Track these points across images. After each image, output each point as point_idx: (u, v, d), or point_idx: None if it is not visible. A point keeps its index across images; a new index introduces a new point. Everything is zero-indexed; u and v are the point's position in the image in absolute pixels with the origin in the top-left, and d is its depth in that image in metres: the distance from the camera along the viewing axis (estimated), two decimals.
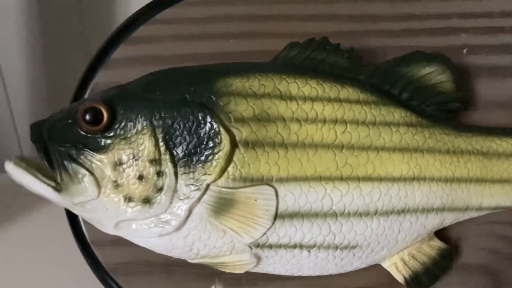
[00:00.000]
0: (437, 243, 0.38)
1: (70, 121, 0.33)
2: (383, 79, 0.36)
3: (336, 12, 0.40)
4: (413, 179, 0.35)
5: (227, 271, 0.36)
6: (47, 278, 0.45)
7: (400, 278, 0.38)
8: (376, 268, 0.38)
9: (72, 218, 0.40)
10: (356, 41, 0.39)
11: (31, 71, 0.65)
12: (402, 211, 0.35)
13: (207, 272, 0.39)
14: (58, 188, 0.33)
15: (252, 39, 0.40)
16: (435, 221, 0.36)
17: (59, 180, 0.33)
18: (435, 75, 0.37)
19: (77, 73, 0.41)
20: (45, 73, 0.65)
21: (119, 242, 0.39)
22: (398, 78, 0.36)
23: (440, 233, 0.39)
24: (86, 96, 0.40)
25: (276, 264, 0.35)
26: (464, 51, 0.40)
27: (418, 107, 0.36)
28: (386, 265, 0.38)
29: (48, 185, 0.33)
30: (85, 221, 0.40)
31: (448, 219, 0.37)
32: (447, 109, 0.37)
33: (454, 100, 0.37)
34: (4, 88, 0.65)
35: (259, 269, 0.36)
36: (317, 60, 0.35)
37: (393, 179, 0.34)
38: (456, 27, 0.40)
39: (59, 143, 0.33)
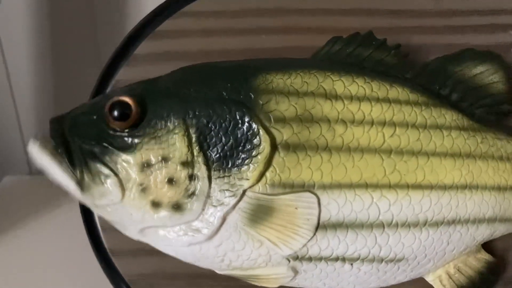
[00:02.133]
0: (484, 256, 0.35)
1: (94, 116, 0.30)
2: (432, 78, 0.34)
3: (377, 7, 0.37)
4: (465, 187, 0.32)
5: (259, 284, 0.33)
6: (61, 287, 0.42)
7: None
8: (418, 281, 0.35)
9: (89, 224, 0.38)
10: (397, 37, 0.36)
11: (38, 69, 0.62)
12: (453, 222, 0.32)
13: (235, 284, 0.36)
14: (81, 185, 0.30)
15: (286, 35, 0.37)
16: (485, 233, 0.34)
17: (80, 179, 0.30)
18: (487, 75, 0.34)
19: (85, 71, 0.39)
20: (52, 72, 0.63)
21: (141, 252, 0.36)
22: (448, 78, 0.34)
23: (486, 245, 0.36)
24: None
25: (314, 278, 0.32)
26: None
27: (468, 109, 0.34)
28: (429, 278, 0.35)
29: (72, 178, 0.30)
30: (103, 228, 0.38)
31: (499, 230, 0.34)
32: (498, 112, 0.35)
33: (507, 102, 0.34)
34: (10, 87, 0.63)
35: (294, 283, 0.33)
36: (362, 56, 0.33)
37: (444, 187, 0.32)
38: (504, 23, 0.37)
39: (82, 140, 0.30)
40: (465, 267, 0.35)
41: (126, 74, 0.37)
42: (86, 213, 0.37)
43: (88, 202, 0.31)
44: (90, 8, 0.62)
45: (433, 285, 0.35)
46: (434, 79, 0.34)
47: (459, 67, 0.34)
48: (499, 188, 0.33)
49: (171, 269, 0.37)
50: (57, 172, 0.30)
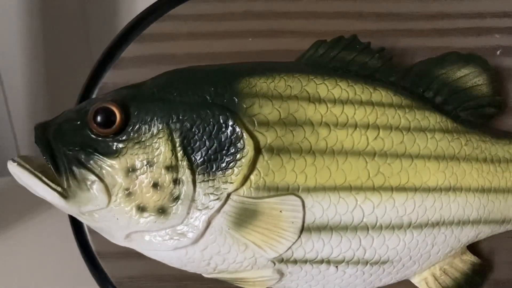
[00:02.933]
0: (470, 258, 0.35)
1: (79, 122, 0.31)
2: (416, 81, 0.34)
3: (363, 10, 0.37)
4: (449, 189, 0.32)
5: (246, 287, 0.33)
6: None
7: None
8: (404, 283, 0.35)
9: (77, 227, 0.38)
10: (384, 41, 0.36)
11: (30, 70, 0.62)
12: (437, 224, 0.32)
13: (222, 287, 0.37)
14: (65, 195, 0.30)
15: (273, 38, 0.37)
16: (470, 234, 0.34)
17: (65, 186, 0.30)
18: (471, 77, 0.34)
19: (78, 73, 0.39)
20: (45, 73, 0.63)
21: (128, 254, 0.36)
22: (432, 81, 0.34)
23: (472, 247, 0.36)
24: (93, 97, 0.38)
25: (300, 280, 0.33)
26: (498, 52, 0.37)
27: (453, 112, 0.34)
28: (415, 280, 0.35)
29: (55, 190, 0.30)
30: (90, 230, 0.37)
31: (483, 232, 0.35)
32: (482, 114, 0.35)
33: (491, 104, 0.35)
34: (2, 88, 0.63)
35: (280, 286, 0.33)
36: (346, 60, 0.33)
37: (428, 189, 0.32)
38: (489, 27, 0.37)
39: (66, 146, 0.30)
40: (451, 268, 0.35)
41: (113, 77, 0.37)
42: (74, 217, 0.37)
43: (73, 210, 0.31)
44: (82, 8, 0.62)
45: (419, 287, 0.35)
46: (418, 82, 0.34)
47: (443, 70, 0.34)
48: (483, 190, 0.33)
49: (158, 271, 0.37)
50: (38, 187, 0.30)
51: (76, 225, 0.38)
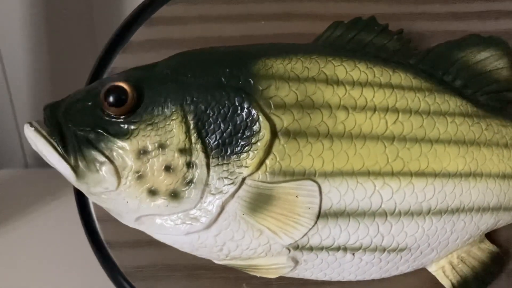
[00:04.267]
0: (488, 246, 0.34)
1: (90, 102, 0.30)
2: (435, 64, 0.33)
3: None
4: (469, 175, 0.31)
5: (258, 275, 0.32)
6: (57, 280, 0.41)
7: (447, 284, 0.34)
8: (420, 272, 0.35)
9: (85, 216, 0.37)
10: (400, 24, 0.35)
11: (34, 60, 0.61)
12: (457, 210, 0.31)
13: (234, 276, 0.36)
14: (76, 171, 0.29)
15: (286, 21, 0.36)
16: (489, 222, 0.33)
17: (71, 166, 0.29)
18: (491, 61, 0.33)
19: (82, 61, 0.38)
20: (48, 63, 0.62)
21: (138, 243, 0.36)
22: (452, 64, 0.33)
23: (490, 235, 0.35)
24: None
25: (314, 268, 0.32)
26: None
27: (472, 96, 0.33)
28: (432, 269, 0.34)
29: (68, 163, 0.29)
30: (99, 219, 0.37)
31: (503, 219, 0.34)
32: (503, 99, 0.34)
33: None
34: (5, 79, 0.62)
35: (294, 274, 0.33)
36: (364, 42, 0.32)
37: (448, 175, 0.31)
38: (507, 10, 0.36)
39: (77, 127, 0.29)
40: (469, 257, 0.34)
41: (122, 61, 0.36)
42: (82, 205, 0.37)
43: (83, 189, 0.30)
44: None
45: (436, 276, 0.35)
46: (438, 65, 0.33)
47: (463, 53, 0.33)
48: (504, 176, 0.33)
49: (169, 261, 0.36)
50: (52, 157, 0.29)
51: (85, 214, 0.37)
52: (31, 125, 0.29)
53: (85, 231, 0.37)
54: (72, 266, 0.41)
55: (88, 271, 0.38)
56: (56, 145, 0.29)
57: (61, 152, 0.29)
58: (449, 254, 0.34)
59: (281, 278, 0.33)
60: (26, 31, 0.59)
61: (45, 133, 0.29)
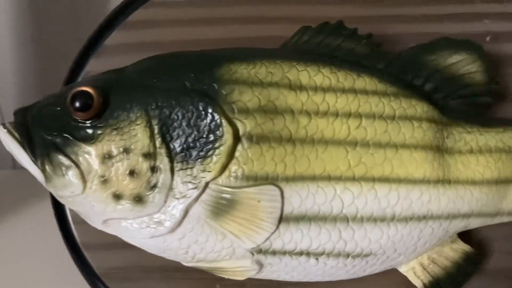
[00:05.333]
0: (461, 246, 0.34)
1: (58, 107, 0.30)
2: (405, 67, 0.33)
3: None
4: (437, 181, 0.31)
5: (226, 277, 0.32)
6: (33, 283, 0.42)
7: (418, 284, 0.34)
8: (393, 272, 0.34)
9: (61, 218, 0.37)
10: (373, 27, 0.35)
11: (19, 59, 0.62)
12: (424, 218, 0.31)
13: (209, 277, 0.36)
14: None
15: (260, 24, 0.36)
16: (459, 225, 0.33)
17: (40, 169, 0.30)
18: (463, 64, 0.33)
19: (69, 62, 0.38)
20: (36, 64, 0.62)
21: (113, 245, 0.36)
22: (422, 67, 0.33)
23: (463, 234, 0.35)
24: None
25: (280, 271, 0.32)
26: (488, 38, 0.36)
27: (443, 100, 0.33)
28: (403, 270, 0.34)
29: (38, 167, 0.30)
30: (75, 221, 0.37)
31: (474, 223, 0.33)
32: (475, 103, 0.33)
33: (486, 93, 0.33)
34: None
35: (262, 276, 0.33)
36: (331, 46, 0.32)
37: (414, 181, 0.31)
38: (479, 12, 0.36)
39: (45, 131, 0.30)
40: (440, 258, 0.34)
41: (96, 66, 0.37)
42: (58, 207, 0.37)
43: (52, 192, 0.31)
44: None
45: (407, 277, 0.34)
46: (407, 69, 0.33)
47: (434, 56, 0.33)
48: (475, 182, 0.32)
49: (144, 262, 0.37)
50: (24, 159, 0.30)
51: (60, 216, 0.38)
52: (4, 127, 0.30)
53: (61, 233, 0.37)
54: (51, 268, 0.42)
55: (65, 273, 0.38)
56: (26, 149, 0.30)
57: (31, 157, 0.30)
58: (418, 256, 0.33)
59: (253, 280, 0.33)
60: (12, 30, 0.59)
61: (17, 136, 0.30)
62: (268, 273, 0.32)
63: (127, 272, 0.37)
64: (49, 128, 0.30)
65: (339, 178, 0.30)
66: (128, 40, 0.37)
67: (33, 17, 0.59)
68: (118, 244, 0.34)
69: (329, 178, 0.30)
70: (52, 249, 0.39)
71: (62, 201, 0.31)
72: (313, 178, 0.30)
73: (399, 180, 0.30)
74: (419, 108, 0.32)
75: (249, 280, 0.33)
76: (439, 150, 0.32)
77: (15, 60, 0.60)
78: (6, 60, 0.59)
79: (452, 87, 0.33)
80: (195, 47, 0.35)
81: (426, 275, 0.34)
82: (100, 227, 0.31)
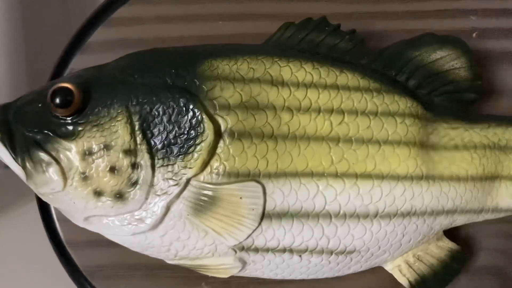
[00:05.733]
0: (446, 244, 0.34)
1: (39, 104, 0.30)
2: (389, 64, 0.32)
3: None
4: (421, 177, 0.31)
5: (209, 274, 0.32)
6: (19, 281, 0.41)
7: (404, 282, 0.34)
8: (378, 270, 0.34)
9: (46, 216, 0.37)
10: (357, 23, 0.35)
11: (10, 56, 0.61)
12: (407, 214, 0.31)
13: (194, 275, 0.36)
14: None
15: (243, 21, 0.36)
16: (444, 223, 0.33)
17: (20, 166, 0.29)
18: (448, 60, 0.33)
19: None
20: (25, 61, 0.62)
21: (98, 243, 0.36)
22: (406, 63, 0.32)
23: (449, 232, 0.35)
24: None
25: (264, 269, 0.32)
26: (474, 34, 0.36)
27: (427, 96, 0.33)
28: (388, 267, 0.34)
29: (19, 165, 0.30)
30: (59, 219, 0.37)
31: (459, 220, 0.33)
32: (459, 99, 0.33)
33: (470, 90, 0.33)
34: None
35: (246, 273, 0.33)
36: (314, 42, 0.32)
37: (398, 177, 0.30)
38: (465, 8, 0.36)
39: (25, 128, 0.30)
40: (426, 255, 0.33)
41: (80, 62, 0.37)
42: (42, 205, 0.37)
43: (33, 189, 0.31)
44: None
45: (393, 274, 0.34)
46: (391, 65, 0.33)
47: (417, 52, 0.33)
48: (459, 179, 0.32)
49: (129, 260, 0.36)
50: (5, 157, 0.30)
51: (45, 214, 0.37)
52: None
53: (46, 230, 0.37)
54: (38, 267, 0.42)
55: (52, 272, 0.38)
56: (7, 147, 0.29)
57: (12, 155, 0.29)
58: (404, 253, 0.33)
59: (239, 277, 0.33)
60: (1, 24, 0.59)
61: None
62: (252, 271, 0.32)
63: (112, 270, 0.37)
64: (30, 125, 0.30)
65: (321, 175, 0.30)
66: (113, 37, 0.37)
67: (24, 13, 0.58)
68: (103, 242, 0.34)
69: (311, 175, 0.30)
70: (39, 248, 0.38)
71: (43, 198, 0.31)
72: (296, 175, 0.29)
73: (382, 176, 0.30)
74: (402, 104, 0.31)
75: (234, 278, 0.33)
76: (424, 146, 0.31)
77: (5, 56, 0.60)
78: None
79: (436, 83, 0.33)
80: (179, 44, 0.35)
81: (412, 272, 0.34)
82: (82, 224, 0.31)
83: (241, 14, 0.36)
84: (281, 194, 0.29)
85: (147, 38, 0.36)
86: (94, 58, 0.36)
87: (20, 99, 0.31)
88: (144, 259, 0.35)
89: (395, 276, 0.34)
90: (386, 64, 0.33)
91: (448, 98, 0.33)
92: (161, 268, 0.36)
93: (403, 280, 0.34)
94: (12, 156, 0.30)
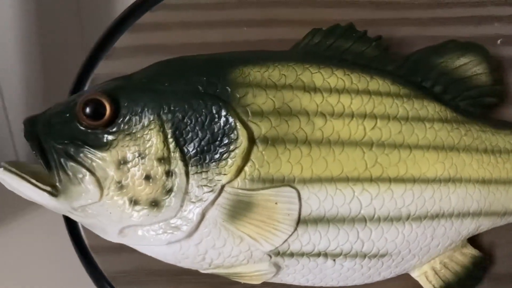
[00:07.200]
0: (470, 251, 0.35)
1: (68, 115, 0.30)
2: (414, 70, 0.33)
3: None
4: (448, 180, 0.32)
5: (242, 281, 0.32)
6: (42, 286, 0.41)
7: None
8: (403, 277, 0.35)
9: (70, 221, 0.37)
10: (380, 30, 0.35)
11: (25, 65, 0.61)
12: (436, 216, 0.32)
13: (218, 281, 0.36)
14: (54, 193, 0.29)
15: (268, 27, 0.36)
16: (470, 227, 0.33)
17: (57, 182, 0.29)
18: (470, 66, 0.34)
19: (74, 68, 0.38)
20: (40, 70, 0.62)
21: (122, 249, 0.35)
22: (431, 70, 0.33)
23: (472, 240, 0.35)
24: (85, 89, 0.37)
25: (296, 274, 0.32)
26: (499, 41, 0.37)
27: (452, 101, 0.33)
28: (415, 274, 0.34)
29: (44, 190, 0.29)
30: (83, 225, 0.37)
31: (484, 224, 0.34)
32: (482, 104, 0.34)
33: (491, 94, 0.34)
34: None
35: (277, 279, 0.33)
36: (342, 48, 0.32)
37: (427, 181, 0.31)
38: (489, 15, 0.37)
39: (55, 140, 0.30)
40: (451, 262, 0.34)
41: (105, 68, 0.36)
42: None
43: (65, 207, 0.30)
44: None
45: (419, 281, 0.35)
46: (416, 71, 0.33)
47: (442, 58, 0.33)
48: (484, 181, 0.33)
49: (153, 265, 0.36)
50: (27, 189, 0.29)
51: (70, 220, 0.37)
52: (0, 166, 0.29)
53: (70, 236, 0.37)
54: (58, 272, 0.41)
55: (73, 277, 0.38)
56: (27, 177, 0.29)
57: (34, 182, 0.29)
58: (431, 259, 0.34)
59: (265, 284, 0.33)
60: (18, 35, 0.59)
61: (14, 170, 0.29)
62: (284, 276, 0.32)
63: (136, 276, 0.37)
64: (60, 137, 0.30)
65: (356, 179, 0.30)
66: (136, 43, 0.36)
67: (39, 21, 0.58)
68: (126, 247, 0.34)
69: (347, 180, 0.30)
70: (60, 252, 0.38)
71: (75, 215, 0.31)
72: (331, 180, 0.30)
73: (413, 180, 0.31)
74: (431, 109, 0.32)
75: (261, 284, 0.33)
76: (454, 148, 0.32)
77: (21, 64, 0.60)
78: (12, 63, 0.59)
79: (460, 89, 0.34)
80: (202, 50, 0.35)
81: (438, 279, 0.34)
82: (116, 238, 0.31)
83: (265, 20, 0.36)
84: (317, 200, 0.30)
85: (171, 44, 0.36)
86: (118, 64, 0.37)
87: (47, 110, 0.31)
88: (167, 265, 0.35)
89: (421, 283, 0.35)
90: (411, 71, 0.33)
91: (470, 103, 0.34)
92: (184, 274, 0.36)
93: (428, 287, 0.34)
94: (46, 170, 0.29)
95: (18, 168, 0.29)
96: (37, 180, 0.29)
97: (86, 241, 0.37)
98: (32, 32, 0.59)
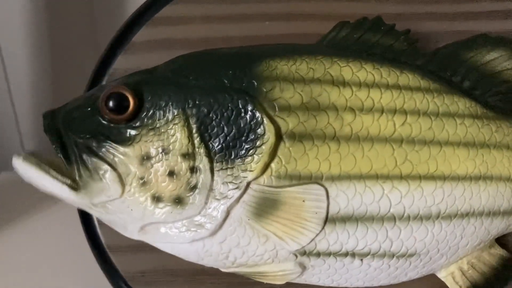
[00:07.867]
0: (499, 251, 0.34)
1: (89, 109, 0.29)
2: (443, 65, 0.32)
3: None
4: (479, 178, 0.31)
5: (265, 281, 0.31)
6: (57, 286, 0.41)
7: None
8: (429, 278, 0.34)
9: (86, 219, 0.36)
10: (406, 24, 0.34)
11: (35, 63, 0.61)
12: (466, 215, 0.31)
13: (238, 281, 0.35)
14: (75, 187, 0.28)
15: (290, 21, 0.35)
16: (500, 226, 0.32)
17: (77, 177, 0.28)
18: (500, 61, 0.33)
19: (83, 65, 0.37)
20: (50, 65, 0.61)
21: (139, 248, 0.35)
22: (460, 65, 0.32)
23: (499, 240, 0.34)
24: (103, 83, 0.36)
25: (322, 274, 0.31)
26: None
27: (481, 97, 0.32)
28: (442, 275, 0.33)
29: (64, 183, 0.28)
30: (100, 223, 0.36)
31: None
32: (511, 100, 0.33)
33: None
34: (7, 81, 0.61)
35: (301, 280, 0.32)
36: (370, 42, 0.31)
37: (458, 178, 0.30)
38: None
39: (77, 134, 0.29)
40: (479, 263, 0.33)
41: (123, 63, 0.36)
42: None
43: (84, 202, 0.29)
44: None
45: (446, 282, 0.34)
46: (446, 66, 0.32)
47: (471, 53, 0.32)
48: None
49: (171, 265, 0.36)
50: (46, 182, 0.28)
51: (85, 218, 0.36)
52: (18, 155, 0.28)
53: (86, 235, 0.36)
54: (73, 271, 0.41)
55: (89, 276, 0.37)
56: (47, 169, 0.28)
57: (54, 175, 0.28)
58: (459, 259, 0.33)
59: (287, 284, 0.32)
60: (28, 30, 0.59)
61: (34, 160, 0.28)
62: (309, 277, 0.31)
63: (154, 276, 0.36)
64: (82, 131, 0.29)
65: (386, 177, 0.29)
66: (156, 36, 0.35)
67: (50, 18, 0.58)
68: (144, 247, 0.33)
69: (376, 177, 0.29)
70: (76, 251, 0.38)
71: (95, 211, 0.30)
72: (360, 177, 0.29)
73: (444, 178, 0.30)
74: (461, 104, 0.31)
75: (284, 285, 0.32)
76: (485, 145, 0.31)
77: (31, 62, 0.59)
78: (22, 64, 0.58)
79: (490, 84, 0.33)
80: (223, 45, 0.34)
81: (465, 280, 0.33)
82: (136, 236, 0.30)
83: (288, 14, 0.35)
84: (345, 198, 0.29)
85: (192, 38, 0.35)
86: (137, 58, 0.36)
87: (68, 104, 0.30)
88: (186, 265, 0.34)
89: (448, 284, 0.34)
90: (440, 65, 0.32)
91: (501, 99, 0.33)
92: (204, 274, 0.36)
93: None
94: (66, 165, 0.28)
95: (38, 159, 0.28)
96: (57, 172, 0.28)
97: (103, 240, 0.36)
98: (43, 30, 0.59)
